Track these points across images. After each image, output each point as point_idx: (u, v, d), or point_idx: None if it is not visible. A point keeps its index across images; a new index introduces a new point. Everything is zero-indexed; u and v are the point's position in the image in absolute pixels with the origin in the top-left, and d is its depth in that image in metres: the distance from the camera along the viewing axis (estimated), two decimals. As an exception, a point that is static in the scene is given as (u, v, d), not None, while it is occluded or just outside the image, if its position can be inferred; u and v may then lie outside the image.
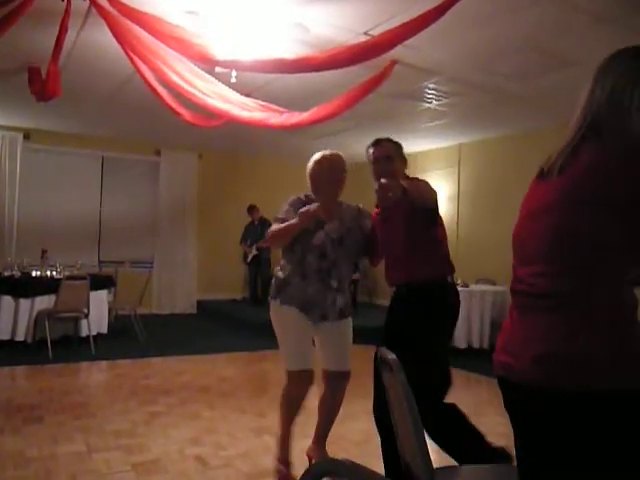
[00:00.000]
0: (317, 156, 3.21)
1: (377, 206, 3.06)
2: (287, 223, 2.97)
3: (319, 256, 3.04)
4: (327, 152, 3.22)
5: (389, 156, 2.99)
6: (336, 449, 3.64)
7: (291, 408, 3.13)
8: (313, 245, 3.04)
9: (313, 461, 3.23)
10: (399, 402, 1.74)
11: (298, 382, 3.06)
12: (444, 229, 3.06)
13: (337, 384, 3.22)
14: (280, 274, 3.15)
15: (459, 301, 3.02)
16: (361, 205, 3.31)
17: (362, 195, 4.19)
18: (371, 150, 3.04)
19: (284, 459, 3.13)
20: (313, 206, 2.89)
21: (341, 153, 3.22)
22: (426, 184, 2.83)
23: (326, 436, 3.27)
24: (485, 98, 6.54)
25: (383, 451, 2.89)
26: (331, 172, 3.11)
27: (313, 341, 3.19)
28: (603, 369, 1.31)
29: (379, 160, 2.99)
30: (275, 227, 3.04)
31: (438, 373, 2.90)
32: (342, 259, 3.10)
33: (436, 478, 1.60)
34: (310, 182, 3.19)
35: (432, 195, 2.81)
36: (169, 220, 10.39)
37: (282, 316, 3.09)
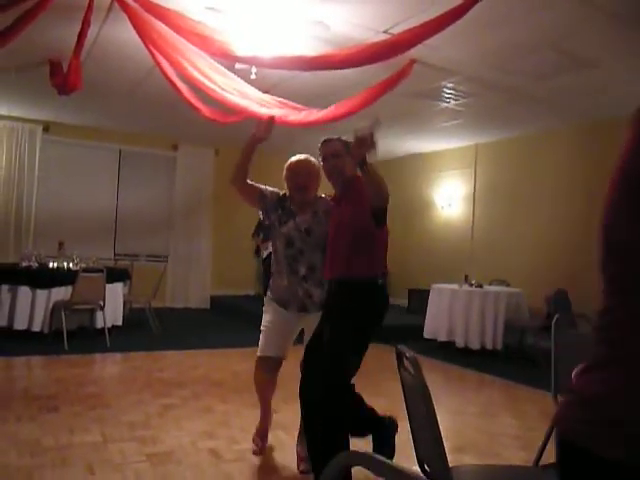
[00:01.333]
0: (289, 161, 3.46)
1: (332, 199, 3.26)
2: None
3: (286, 244, 3.29)
4: (294, 158, 3.46)
5: (335, 154, 3.11)
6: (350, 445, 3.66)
7: (259, 390, 3.49)
8: (281, 234, 3.32)
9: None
10: (416, 400, 1.75)
11: (258, 366, 3.40)
12: (387, 233, 3.12)
13: None
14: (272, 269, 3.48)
15: (387, 303, 3.15)
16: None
17: None
18: (320, 149, 3.20)
19: (260, 433, 3.55)
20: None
21: (310, 158, 3.43)
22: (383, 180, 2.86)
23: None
24: (502, 98, 6.52)
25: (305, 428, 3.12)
26: (295, 177, 3.35)
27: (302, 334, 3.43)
28: None
29: (327, 158, 3.13)
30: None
31: (352, 364, 2.95)
32: (310, 248, 3.27)
33: (452, 476, 1.60)
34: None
35: (386, 192, 2.86)
36: (184, 215, 10.45)
37: (266, 307, 3.48)
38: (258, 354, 3.40)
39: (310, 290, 3.28)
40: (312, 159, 3.43)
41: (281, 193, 3.46)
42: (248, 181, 3.43)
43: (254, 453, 3.47)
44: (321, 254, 3.24)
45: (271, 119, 3.50)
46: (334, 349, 2.86)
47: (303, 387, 3.04)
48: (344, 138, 3.16)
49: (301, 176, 3.34)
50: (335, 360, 2.85)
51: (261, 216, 3.51)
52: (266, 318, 3.43)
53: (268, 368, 3.39)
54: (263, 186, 3.47)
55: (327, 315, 3.05)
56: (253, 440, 3.56)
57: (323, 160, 3.17)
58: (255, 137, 3.44)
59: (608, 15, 4.18)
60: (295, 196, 3.36)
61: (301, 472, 3.24)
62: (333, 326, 2.93)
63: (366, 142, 2.69)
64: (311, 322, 3.22)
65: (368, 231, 2.93)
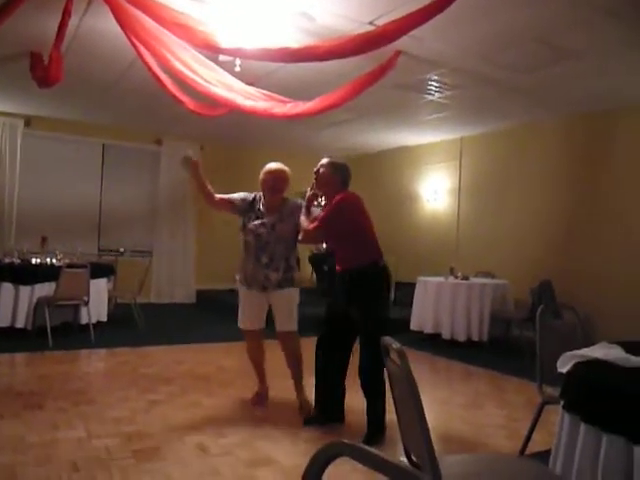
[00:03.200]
0: (265, 166, 4.19)
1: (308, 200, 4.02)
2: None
3: (254, 237, 4.07)
4: (270, 165, 4.18)
5: (321, 167, 3.92)
6: (337, 437, 3.66)
7: (251, 355, 4.41)
8: (250, 230, 4.10)
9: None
10: (403, 391, 1.74)
11: (246, 337, 4.36)
12: (370, 222, 3.93)
13: (284, 341, 4.18)
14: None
15: (389, 277, 3.94)
16: (300, 201, 4.16)
17: (368, 183, 4.31)
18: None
19: (260, 395, 4.42)
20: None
21: (282, 166, 4.18)
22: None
23: (299, 381, 4.21)
24: (487, 91, 6.53)
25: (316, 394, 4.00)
26: (268, 179, 4.11)
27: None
28: None
29: (317, 171, 3.93)
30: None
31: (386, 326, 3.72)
32: (273, 241, 4.05)
33: (440, 467, 1.60)
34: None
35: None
36: (169, 210, 10.38)
37: (239, 288, 4.28)
38: (241, 327, 4.31)
39: (269, 274, 4.06)
40: (284, 167, 4.17)
41: (251, 197, 4.21)
42: (217, 197, 4.16)
43: (253, 404, 4.32)
44: (282, 247, 4.07)
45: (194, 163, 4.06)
46: (372, 321, 3.68)
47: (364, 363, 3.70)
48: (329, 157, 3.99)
49: (272, 179, 4.09)
50: (378, 328, 3.55)
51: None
52: (240, 298, 4.28)
53: (251, 337, 4.32)
54: (234, 195, 4.22)
55: (350, 300, 3.75)
56: (252, 400, 4.38)
57: (315, 172, 3.92)
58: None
59: (593, 6, 4.18)
60: (266, 195, 4.13)
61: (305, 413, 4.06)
62: (359, 307, 3.70)
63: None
64: (273, 298, 4.13)
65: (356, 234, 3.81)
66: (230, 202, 4.19)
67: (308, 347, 4.09)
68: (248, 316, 4.24)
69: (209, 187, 4.14)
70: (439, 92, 6.65)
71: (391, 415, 3.88)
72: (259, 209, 4.14)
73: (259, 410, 4.21)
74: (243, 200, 4.19)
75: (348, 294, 3.76)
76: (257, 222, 4.07)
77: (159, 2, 3.84)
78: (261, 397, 4.40)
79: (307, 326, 4.82)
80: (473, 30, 4.77)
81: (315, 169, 3.92)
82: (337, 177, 3.87)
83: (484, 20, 4.55)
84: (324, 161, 3.91)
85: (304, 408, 4.08)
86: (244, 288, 4.20)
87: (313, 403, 4.05)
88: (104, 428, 3.67)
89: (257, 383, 4.47)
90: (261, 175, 4.15)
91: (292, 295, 4.18)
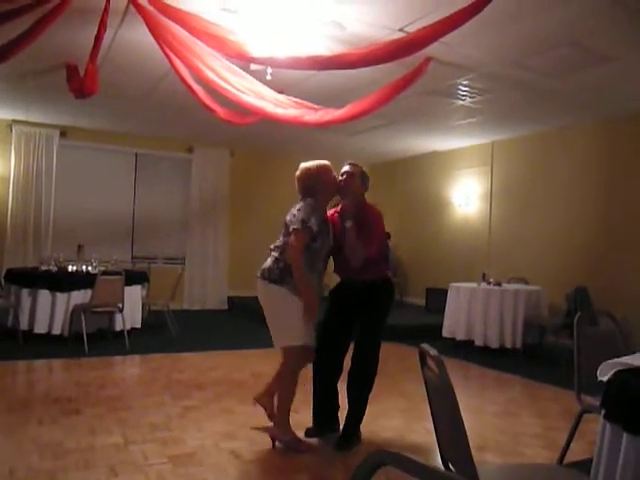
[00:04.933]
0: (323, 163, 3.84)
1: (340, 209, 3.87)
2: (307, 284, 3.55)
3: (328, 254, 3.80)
4: (327, 164, 3.82)
5: (349, 173, 3.82)
6: (368, 446, 3.65)
7: (297, 378, 3.75)
8: (329, 245, 3.76)
9: (258, 406, 3.73)
10: (441, 400, 1.73)
11: (305, 355, 3.66)
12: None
13: None
14: None
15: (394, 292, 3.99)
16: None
17: (399, 189, 4.29)
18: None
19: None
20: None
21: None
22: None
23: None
24: (518, 95, 6.46)
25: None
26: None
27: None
28: None
29: (343, 175, 3.84)
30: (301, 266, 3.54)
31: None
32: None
33: (478, 475, 1.58)
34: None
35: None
36: (201, 217, 10.49)
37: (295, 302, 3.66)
38: (301, 343, 3.53)
39: (268, 258, 3.74)
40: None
41: (311, 208, 3.59)
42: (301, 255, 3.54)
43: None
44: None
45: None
46: (377, 324, 3.80)
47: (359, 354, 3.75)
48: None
49: (335, 178, 3.80)
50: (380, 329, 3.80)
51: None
52: (297, 310, 3.52)
53: (310, 354, 3.68)
54: (311, 225, 3.52)
55: (361, 306, 3.74)
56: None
57: (340, 176, 3.82)
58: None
59: (626, 9, 4.12)
60: (328, 197, 3.78)
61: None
62: (370, 312, 3.76)
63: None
64: None
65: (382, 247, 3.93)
66: (316, 232, 3.57)
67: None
68: (311, 328, 3.60)
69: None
70: (469, 97, 6.60)
71: (425, 422, 3.86)
72: (325, 220, 3.71)
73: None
74: (319, 220, 3.59)
75: (365, 302, 3.75)
76: (330, 236, 3.73)
77: (191, 13, 3.90)
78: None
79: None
80: (502, 35, 4.73)
81: (343, 173, 3.81)
82: (363, 187, 3.88)
83: (513, 25, 4.51)
84: (350, 168, 3.83)
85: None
86: (298, 300, 3.53)
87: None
88: (140, 433, 3.72)
89: (288, 419, 3.65)
90: (316, 172, 3.71)
91: (270, 291, 3.71)
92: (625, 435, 2.06)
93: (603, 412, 2.23)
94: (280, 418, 3.57)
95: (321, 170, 3.73)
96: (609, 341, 3.26)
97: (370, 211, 3.83)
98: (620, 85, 5.95)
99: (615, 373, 2.22)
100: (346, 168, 3.85)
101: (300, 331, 3.50)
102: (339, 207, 3.90)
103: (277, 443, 3.59)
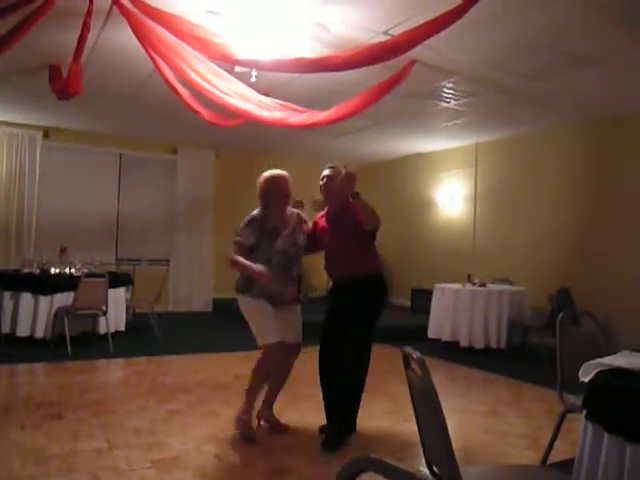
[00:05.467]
0: (270, 174, 4.00)
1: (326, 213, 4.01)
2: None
3: (283, 256, 3.87)
4: (276, 172, 3.99)
5: (329, 177, 3.91)
6: (355, 448, 3.65)
7: (269, 372, 3.98)
8: (277, 251, 3.85)
9: (261, 422, 4.04)
10: (424, 402, 1.74)
11: (273, 351, 3.86)
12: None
13: (295, 353, 4.08)
14: None
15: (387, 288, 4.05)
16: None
17: (384, 190, 4.31)
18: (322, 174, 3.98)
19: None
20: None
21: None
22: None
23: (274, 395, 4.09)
24: (502, 98, 6.51)
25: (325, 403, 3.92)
26: (283, 187, 3.93)
27: None
28: None
29: (323, 179, 3.94)
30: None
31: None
32: (298, 256, 3.98)
33: (461, 478, 1.59)
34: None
35: (378, 219, 3.69)
36: (186, 218, 10.44)
37: (252, 305, 3.93)
38: (265, 342, 3.82)
39: (293, 289, 3.96)
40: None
41: (257, 225, 3.85)
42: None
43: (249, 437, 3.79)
44: (300, 259, 4.00)
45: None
46: (369, 323, 3.83)
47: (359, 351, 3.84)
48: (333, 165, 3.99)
49: (288, 186, 3.93)
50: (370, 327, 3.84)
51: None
52: (255, 312, 3.91)
53: (279, 350, 3.84)
54: (241, 240, 3.82)
55: (355, 301, 3.77)
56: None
57: (320, 180, 3.93)
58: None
59: (607, 13, 4.16)
60: (277, 206, 3.89)
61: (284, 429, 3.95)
62: (363, 309, 3.78)
63: (354, 178, 3.55)
64: (286, 312, 3.92)
65: (368, 241, 3.85)
66: (244, 249, 3.81)
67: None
68: (275, 327, 3.81)
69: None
70: (454, 99, 6.64)
71: (410, 423, 3.87)
72: (275, 226, 3.87)
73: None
74: (254, 233, 3.83)
75: (357, 300, 3.80)
76: (281, 241, 3.84)
77: (176, 15, 3.88)
78: (279, 423, 4.01)
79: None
80: (486, 38, 4.77)
81: (322, 177, 3.91)
82: (351, 185, 3.83)
83: (496, 28, 4.55)
84: (330, 172, 3.91)
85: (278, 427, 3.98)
86: (262, 302, 3.82)
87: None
88: (124, 438, 3.69)
89: (250, 405, 3.88)
90: (268, 182, 3.90)
91: (299, 309, 4.11)
92: (606, 435, 2.09)
93: (585, 413, 2.25)
94: (246, 401, 3.85)
95: (273, 180, 3.92)
96: (591, 341, 3.30)
97: (352, 207, 3.81)
98: (602, 88, 6.01)
99: (596, 374, 2.24)
100: (325, 172, 3.93)
101: (264, 332, 3.83)
102: (324, 211, 4.04)
103: (262, 422, 4.02)
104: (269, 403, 4.03)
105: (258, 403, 3.98)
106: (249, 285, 3.85)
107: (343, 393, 3.82)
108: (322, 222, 4.05)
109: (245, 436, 3.75)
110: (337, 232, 3.87)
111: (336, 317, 3.90)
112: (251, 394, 3.86)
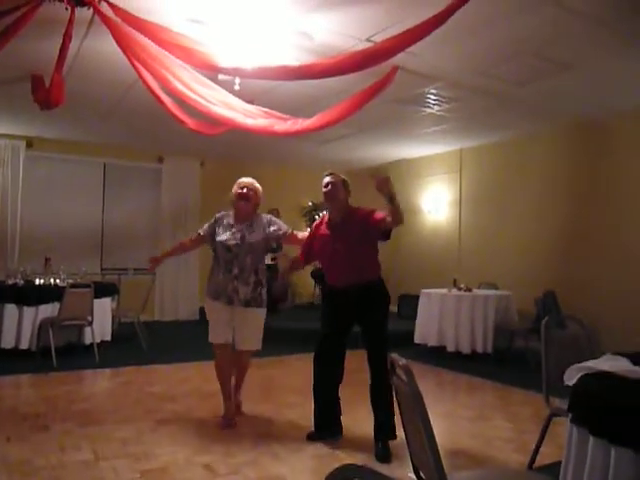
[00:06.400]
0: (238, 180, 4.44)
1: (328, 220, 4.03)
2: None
3: (224, 249, 4.21)
4: (243, 178, 4.43)
5: (331, 183, 3.96)
6: (342, 456, 3.65)
7: (221, 372, 4.35)
8: (218, 242, 4.26)
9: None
10: (410, 408, 1.74)
11: (217, 351, 4.33)
12: None
13: (240, 358, 4.41)
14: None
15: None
16: (271, 217, 4.43)
17: (370, 196, 4.36)
18: (323, 179, 4.02)
19: (227, 413, 4.33)
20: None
21: (254, 181, 4.42)
22: None
23: (241, 384, 4.55)
24: (485, 103, 6.57)
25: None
26: (241, 189, 4.32)
27: None
28: None
29: (326, 185, 3.96)
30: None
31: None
32: (243, 253, 4.17)
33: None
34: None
35: (403, 220, 3.74)
36: (171, 227, 10.39)
37: (206, 304, 4.38)
38: (210, 340, 4.28)
39: (238, 287, 4.15)
40: (256, 183, 4.39)
41: (213, 219, 4.41)
42: (189, 242, 4.65)
43: (223, 428, 4.17)
44: (250, 258, 4.18)
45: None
46: (383, 329, 3.86)
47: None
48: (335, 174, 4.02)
49: (243, 188, 4.30)
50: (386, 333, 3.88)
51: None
52: (207, 311, 4.40)
53: (223, 351, 4.26)
54: (200, 231, 4.47)
55: (361, 308, 3.81)
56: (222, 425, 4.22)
57: (324, 187, 3.96)
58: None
59: (585, 18, 4.22)
60: (236, 206, 4.29)
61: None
62: (374, 316, 3.82)
63: (389, 182, 3.51)
64: (237, 315, 4.19)
65: (372, 248, 3.94)
66: (202, 238, 4.44)
67: (312, 361, 4.05)
68: (217, 328, 4.22)
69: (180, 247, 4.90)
70: (437, 105, 6.69)
71: (398, 431, 3.87)
72: (228, 223, 4.31)
73: (230, 429, 4.16)
74: (209, 226, 4.41)
75: (365, 308, 3.81)
76: (227, 234, 4.23)
77: (158, 24, 3.88)
78: (228, 419, 4.25)
79: (310, 342, 4.79)
80: (468, 45, 4.81)
81: (326, 183, 3.95)
82: (345, 193, 4.00)
83: (478, 35, 4.59)
84: (332, 178, 3.96)
85: (233, 409, 4.34)
86: (211, 301, 4.27)
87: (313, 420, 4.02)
88: (111, 449, 3.66)
89: (223, 405, 4.35)
90: (233, 188, 4.37)
91: (258, 316, 4.29)
92: (592, 438, 2.11)
93: (570, 416, 2.27)
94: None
95: (235, 185, 4.39)
96: (576, 345, 3.33)
97: (358, 212, 3.93)
98: (580, 92, 6.08)
99: (581, 377, 2.27)
100: (328, 179, 3.97)
101: (210, 331, 4.27)
102: (325, 217, 4.10)
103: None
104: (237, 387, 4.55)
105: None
106: (207, 283, 4.35)
107: (384, 405, 3.75)
108: (322, 229, 4.05)
109: (224, 422, 4.20)
110: (342, 238, 3.87)
111: (336, 326, 3.92)
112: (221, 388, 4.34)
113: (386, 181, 3.50)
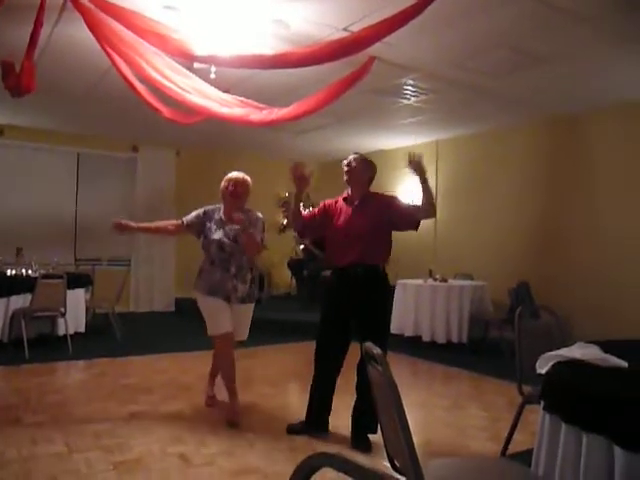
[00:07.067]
0: (229, 175, 4.30)
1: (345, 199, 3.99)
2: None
3: (218, 248, 4.11)
4: (233, 173, 4.29)
5: (350, 163, 3.98)
6: (317, 445, 3.66)
7: (227, 361, 4.22)
8: (213, 240, 4.13)
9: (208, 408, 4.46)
10: (385, 397, 1.74)
11: (222, 341, 4.15)
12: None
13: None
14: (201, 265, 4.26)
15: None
16: (259, 214, 4.34)
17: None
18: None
19: (212, 393, 4.58)
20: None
21: (245, 175, 4.31)
22: None
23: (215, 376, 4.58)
24: (461, 95, 6.59)
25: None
26: (233, 186, 4.21)
27: None
28: None
29: (348, 165, 3.97)
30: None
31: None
32: (239, 252, 4.10)
33: (423, 472, 1.60)
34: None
35: (435, 209, 4.01)
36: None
37: (200, 300, 4.19)
38: (213, 333, 4.12)
39: (237, 285, 4.11)
40: (247, 176, 4.28)
41: (202, 211, 4.30)
42: (170, 227, 4.45)
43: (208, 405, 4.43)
44: (246, 257, 4.15)
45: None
46: (386, 314, 4.02)
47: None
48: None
49: (234, 185, 4.20)
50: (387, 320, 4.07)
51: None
52: (203, 307, 4.19)
53: (228, 340, 4.13)
54: (184, 220, 4.31)
55: (360, 291, 3.75)
56: (206, 402, 4.49)
57: (345, 165, 3.96)
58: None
59: (561, 12, 4.25)
60: (227, 203, 4.21)
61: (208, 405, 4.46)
62: (377, 298, 3.79)
63: (422, 162, 3.60)
64: (233, 311, 4.12)
65: (386, 234, 3.93)
66: (186, 225, 4.30)
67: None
68: (219, 319, 4.09)
69: (159, 224, 4.64)
70: (414, 96, 6.70)
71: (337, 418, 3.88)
72: (220, 219, 4.21)
73: (214, 411, 4.31)
74: (197, 217, 4.29)
75: (368, 287, 3.75)
76: (220, 232, 4.14)
77: (133, 10, 3.81)
78: (233, 419, 4.08)
79: (287, 333, 4.81)
80: (444, 36, 4.81)
81: (347, 162, 3.95)
82: (366, 175, 3.98)
83: (454, 27, 4.60)
84: (355, 156, 3.98)
85: (236, 414, 4.09)
86: (206, 296, 4.14)
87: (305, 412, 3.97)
88: (84, 441, 3.62)
89: (210, 387, 4.60)
90: (222, 183, 4.25)
91: (250, 311, 4.32)
92: (564, 426, 2.14)
93: (542, 404, 2.30)
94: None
95: (226, 181, 4.27)
96: (548, 334, 3.37)
97: (377, 196, 3.98)
98: (557, 86, 6.13)
99: (553, 365, 2.29)
100: (350, 157, 4.00)
101: (211, 324, 4.13)
102: (341, 196, 4.03)
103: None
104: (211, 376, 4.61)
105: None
106: (197, 280, 4.22)
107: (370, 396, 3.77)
108: (338, 206, 3.97)
109: (229, 421, 4.06)
110: (359, 217, 3.83)
111: (337, 315, 3.83)
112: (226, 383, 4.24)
113: (419, 161, 3.56)
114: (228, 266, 4.10)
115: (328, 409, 3.92)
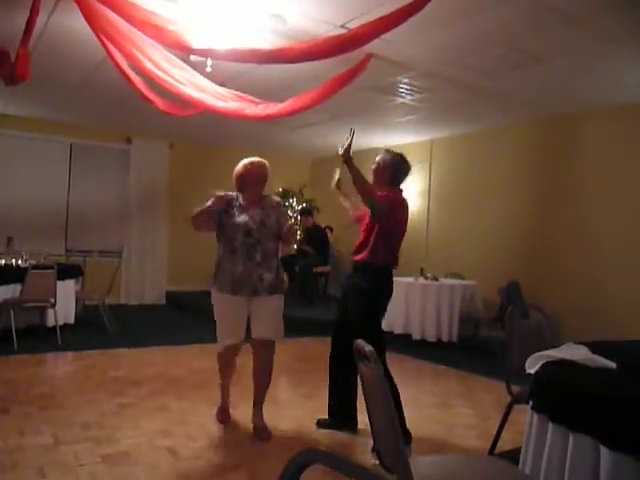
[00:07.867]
0: (249, 160, 3.97)
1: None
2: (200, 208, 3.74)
3: (244, 234, 3.74)
4: (255, 158, 3.99)
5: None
6: (306, 442, 3.67)
7: (227, 372, 4.00)
8: (238, 224, 3.76)
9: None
10: (374, 393, 1.75)
11: (227, 352, 3.89)
12: (399, 232, 4.09)
13: (265, 349, 3.81)
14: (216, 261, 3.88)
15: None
16: (277, 199, 4.12)
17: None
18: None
19: (225, 405, 4.06)
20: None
21: (264, 160, 4.03)
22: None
23: (262, 402, 3.87)
24: (457, 94, 6.60)
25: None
26: (256, 172, 3.91)
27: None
28: None
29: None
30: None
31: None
32: (265, 238, 3.79)
33: (410, 468, 1.61)
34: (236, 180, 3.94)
35: (370, 194, 3.78)
36: (139, 209, 10.25)
37: (217, 299, 3.85)
38: (223, 343, 3.82)
39: (262, 275, 3.75)
40: (265, 161, 4.01)
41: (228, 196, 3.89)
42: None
43: (221, 422, 3.96)
44: (272, 243, 3.84)
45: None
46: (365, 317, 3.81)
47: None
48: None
49: (258, 168, 3.92)
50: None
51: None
52: (218, 308, 3.84)
53: (233, 352, 3.87)
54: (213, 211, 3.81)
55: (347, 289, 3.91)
56: (217, 417, 4.02)
57: (372, 165, 4.00)
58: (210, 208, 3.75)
59: (556, 12, 4.26)
60: (248, 189, 3.88)
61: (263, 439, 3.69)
62: (354, 301, 3.80)
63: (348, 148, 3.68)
64: (259, 304, 3.75)
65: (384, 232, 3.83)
66: (213, 218, 3.83)
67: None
68: (233, 329, 3.77)
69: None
70: (410, 94, 6.70)
71: (363, 417, 3.90)
72: (240, 205, 3.86)
73: (226, 425, 3.95)
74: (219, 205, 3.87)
75: (352, 286, 3.85)
76: (243, 216, 3.79)
77: (129, 1, 3.79)
78: (226, 412, 4.02)
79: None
80: (441, 35, 4.81)
81: (374, 161, 4.02)
82: (386, 173, 3.94)
83: (451, 25, 4.60)
84: (379, 157, 4.02)
85: (263, 432, 3.76)
86: (226, 296, 3.75)
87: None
88: (72, 433, 3.62)
89: (221, 398, 4.06)
90: (241, 168, 3.90)
91: (280, 302, 3.90)
92: (551, 425, 2.15)
93: (531, 403, 2.31)
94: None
95: (248, 167, 3.92)
96: (538, 334, 3.39)
97: None
98: (553, 86, 6.15)
99: (542, 365, 2.31)
100: (377, 157, 4.05)
101: (218, 332, 3.85)
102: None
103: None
104: (254, 404, 3.89)
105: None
106: (215, 275, 3.84)
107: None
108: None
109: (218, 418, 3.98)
110: (368, 214, 3.88)
111: (346, 310, 3.89)
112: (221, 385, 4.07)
113: (347, 148, 3.69)
114: (253, 253, 3.73)
115: (350, 405, 3.94)
